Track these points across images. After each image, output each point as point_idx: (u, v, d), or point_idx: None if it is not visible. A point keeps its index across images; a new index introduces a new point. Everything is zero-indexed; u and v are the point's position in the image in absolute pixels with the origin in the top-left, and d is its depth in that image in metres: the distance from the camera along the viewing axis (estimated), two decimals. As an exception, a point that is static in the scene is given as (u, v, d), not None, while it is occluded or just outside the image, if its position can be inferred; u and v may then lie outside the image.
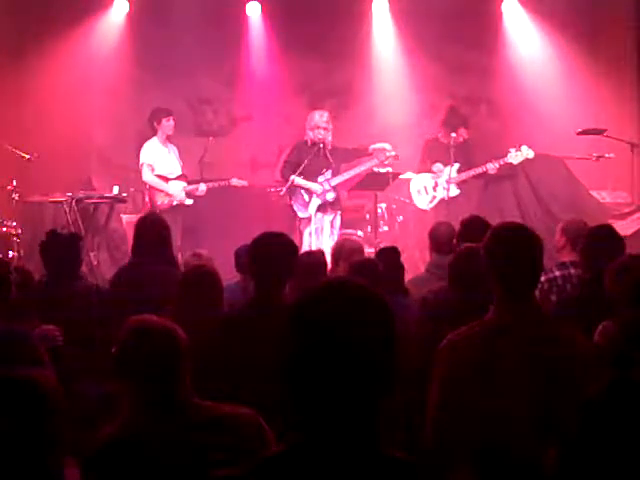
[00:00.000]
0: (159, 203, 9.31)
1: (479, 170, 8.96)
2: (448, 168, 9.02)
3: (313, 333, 1.72)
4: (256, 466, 1.75)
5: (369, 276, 4.49)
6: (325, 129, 8.88)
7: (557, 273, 5.37)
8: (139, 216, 9.39)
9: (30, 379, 2.58)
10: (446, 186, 9.02)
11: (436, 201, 9.11)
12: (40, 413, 2.51)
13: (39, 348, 3.27)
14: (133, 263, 5.51)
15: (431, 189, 9.13)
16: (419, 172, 9.30)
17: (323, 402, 1.71)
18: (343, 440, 1.70)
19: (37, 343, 3.30)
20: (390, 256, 5.25)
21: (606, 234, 4.75)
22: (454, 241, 5.23)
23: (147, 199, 9.43)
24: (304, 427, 1.73)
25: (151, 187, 9.39)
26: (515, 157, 8.76)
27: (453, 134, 9.01)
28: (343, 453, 1.70)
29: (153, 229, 5.47)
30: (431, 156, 9.17)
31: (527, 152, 8.74)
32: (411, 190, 9.32)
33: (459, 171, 9.06)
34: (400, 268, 5.25)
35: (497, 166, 8.87)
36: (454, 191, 9.09)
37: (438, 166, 9.07)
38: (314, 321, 1.73)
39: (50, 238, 5.13)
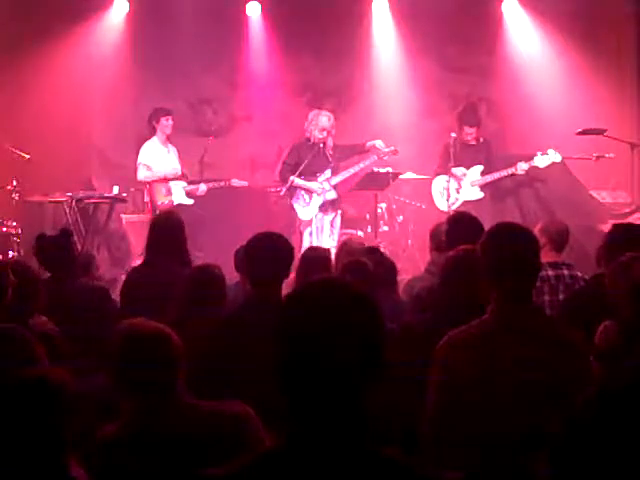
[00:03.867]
0: (159, 203, 9.31)
1: (505, 172, 8.86)
2: (473, 169, 8.98)
3: (299, 332, 1.72)
4: (249, 464, 1.76)
5: (360, 276, 4.48)
6: (329, 132, 8.90)
7: (550, 272, 5.38)
8: (144, 216, 9.51)
9: (44, 377, 2.58)
10: (469, 187, 8.97)
11: (458, 203, 9.02)
12: (54, 411, 2.52)
13: (35, 346, 3.28)
14: (145, 263, 5.44)
15: (454, 191, 9.05)
16: (436, 174, 9.25)
17: (310, 400, 1.72)
18: (332, 438, 1.70)
19: (33, 341, 3.30)
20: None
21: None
22: (442, 238, 5.21)
23: (147, 199, 9.43)
24: (296, 425, 1.73)
25: (151, 187, 9.40)
26: (542, 161, 8.69)
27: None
28: (333, 451, 1.70)
29: (166, 228, 5.35)
30: (453, 158, 9.08)
31: (555, 156, 8.67)
32: (432, 191, 9.27)
33: (483, 173, 9.00)
34: (391, 267, 5.22)
35: (527, 167, 8.76)
36: (478, 194, 9.02)
37: (462, 169, 9.00)
38: (299, 321, 1.73)
39: (39, 241, 5.11)
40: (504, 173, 8.88)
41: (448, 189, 9.10)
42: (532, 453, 2.91)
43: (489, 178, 8.96)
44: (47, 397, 2.52)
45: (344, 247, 5.84)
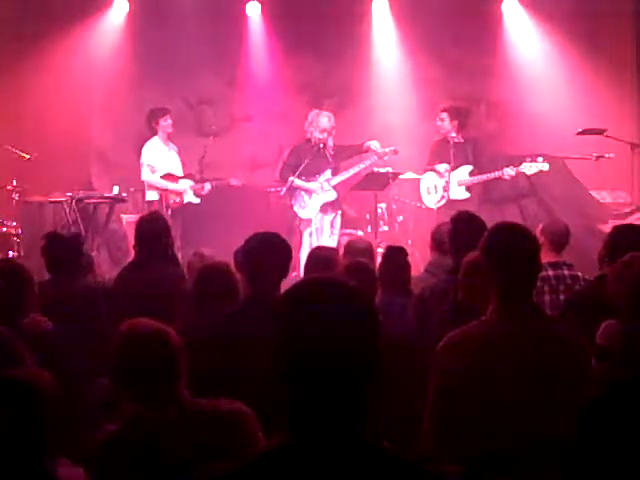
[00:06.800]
0: (171, 202, 9.35)
1: (492, 175, 8.84)
2: (462, 168, 8.97)
3: (294, 330, 1.73)
4: (252, 461, 1.76)
5: (363, 277, 4.47)
6: (329, 132, 8.91)
7: (550, 272, 5.37)
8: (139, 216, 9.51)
9: (24, 379, 2.57)
10: (456, 187, 8.96)
11: (444, 201, 9.01)
12: (33, 413, 2.51)
13: (19, 348, 3.28)
14: (134, 263, 5.49)
15: (441, 189, 9.04)
16: (426, 172, 9.25)
17: (309, 400, 1.73)
18: (334, 437, 1.71)
19: (17, 344, 3.30)
20: (395, 257, 5.23)
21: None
22: (444, 239, 5.21)
23: (157, 197, 9.39)
24: (297, 424, 1.74)
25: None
26: (529, 168, 8.65)
27: (453, 133, 9.00)
28: (335, 449, 1.70)
29: (151, 228, 5.43)
30: (439, 156, 9.10)
31: (542, 165, 8.63)
32: (421, 189, 9.27)
33: (472, 174, 8.99)
34: (404, 269, 5.22)
35: (514, 173, 8.72)
36: (464, 194, 9.00)
37: (445, 166, 8.99)
38: (295, 319, 1.74)
39: (50, 239, 5.13)
40: (491, 176, 8.86)
41: (436, 186, 9.11)
42: (534, 452, 2.91)
43: (475, 179, 8.96)
44: (27, 400, 2.51)
45: (348, 247, 5.83)
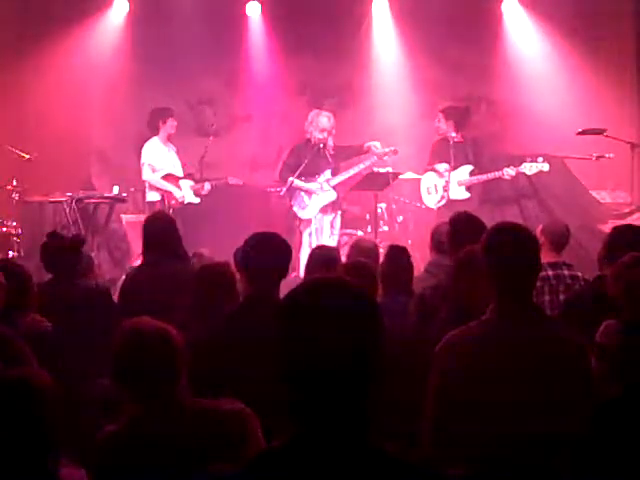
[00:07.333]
0: (172, 202, 9.36)
1: (492, 175, 8.84)
2: (462, 168, 8.97)
3: (295, 330, 1.73)
4: (250, 462, 1.76)
5: (363, 276, 4.48)
6: (329, 132, 8.91)
7: (550, 272, 5.37)
8: (144, 216, 9.51)
9: (24, 379, 2.57)
10: (456, 187, 8.96)
11: (444, 201, 9.01)
12: (34, 413, 2.51)
13: (22, 347, 3.28)
14: (147, 263, 5.47)
15: (441, 189, 9.04)
16: (426, 172, 9.25)
17: (311, 400, 1.73)
18: (336, 438, 1.71)
19: (18, 343, 3.31)
20: (398, 256, 5.23)
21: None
22: (443, 239, 5.21)
23: (159, 198, 9.41)
24: (299, 425, 1.74)
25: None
26: (530, 169, 8.66)
27: (453, 133, 9.00)
28: (337, 450, 1.71)
29: (161, 227, 5.42)
30: (439, 156, 9.10)
31: (542, 165, 8.63)
32: (421, 189, 9.27)
33: (472, 173, 8.99)
34: (407, 268, 5.21)
35: (514, 173, 8.72)
36: (464, 194, 9.00)
37: (445, 166, 8.99)
38: (296, 319, 1.74)
39: (50, 239, 5.13)
40: (491, 176, 8.86)
41: (436, 186, 9.10)
42: (535, 451, 2.91)
43: (475, 179, 8.96)
44: (26, 399, 2.51)
45: (354, 247, 5.83)
